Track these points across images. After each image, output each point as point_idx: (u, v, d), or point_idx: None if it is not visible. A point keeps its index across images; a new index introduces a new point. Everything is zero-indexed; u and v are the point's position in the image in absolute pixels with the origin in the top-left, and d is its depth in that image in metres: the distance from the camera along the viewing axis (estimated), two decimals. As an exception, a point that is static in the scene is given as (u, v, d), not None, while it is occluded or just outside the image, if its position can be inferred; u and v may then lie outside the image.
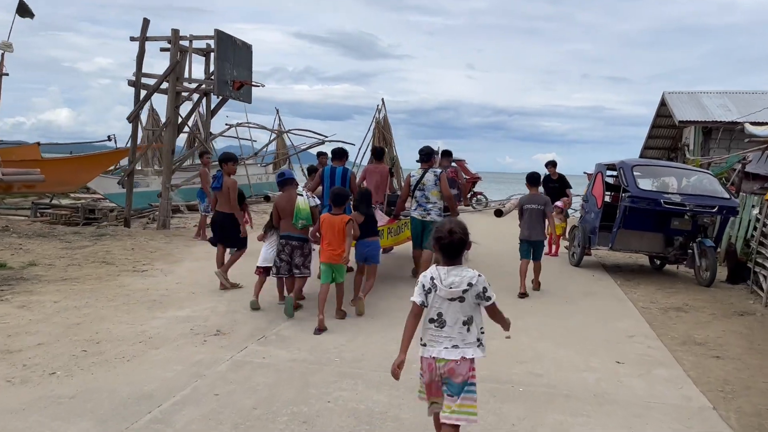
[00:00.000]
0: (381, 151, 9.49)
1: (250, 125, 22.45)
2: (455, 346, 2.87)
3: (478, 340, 2.93)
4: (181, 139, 19.95)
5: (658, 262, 9.85)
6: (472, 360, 2.89)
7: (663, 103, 20.86)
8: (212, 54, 12.06)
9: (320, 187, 7.84)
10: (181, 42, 12.04)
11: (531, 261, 7.52)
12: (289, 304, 5.90)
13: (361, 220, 6.15)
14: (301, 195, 6.09)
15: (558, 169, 11.63)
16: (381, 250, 6.96)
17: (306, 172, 11.37)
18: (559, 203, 10.72)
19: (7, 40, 11.06)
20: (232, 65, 12.09)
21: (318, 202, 6.43)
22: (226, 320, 5.69)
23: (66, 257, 8.50)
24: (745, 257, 8.73)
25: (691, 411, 4.01)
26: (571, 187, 11.73)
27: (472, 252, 8.45)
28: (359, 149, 20.71)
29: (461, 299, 2.88)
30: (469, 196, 19.21)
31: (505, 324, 3.17)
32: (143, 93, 12.40)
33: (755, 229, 8.55)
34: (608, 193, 10.05)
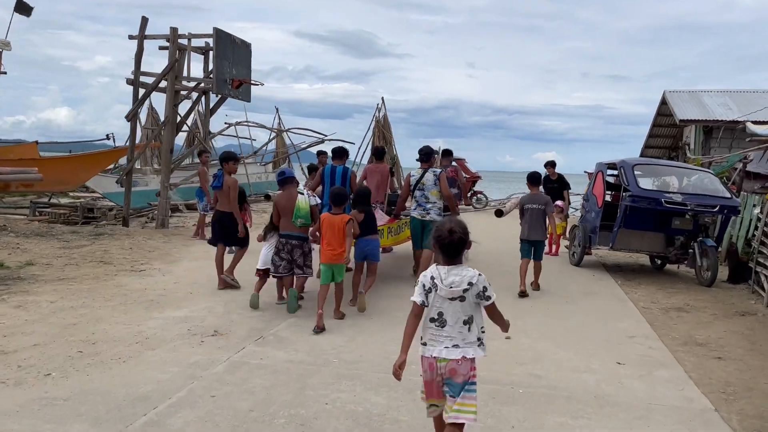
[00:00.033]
0: (382, 150, 9.49)
1: (250, 124, 22.40)
2: (456, 346, 2.85)
3: (479, 339, 2.92)
4: (181, 138, 19.93)
5: (659, 262, 9.81)
6: (472, 359, 2.87)
7: (664, 102, 20.81)
8: (211, 52, 12.00)
9: (320, 187, 7.82)
10: (179, 40, 11.98)
11: (531, 260, 7.48)
12: (293, 297, 5.91)
13: (360, 218, 6.15)
14: (302, 194, 6.07)
15: (558, 169, 11.61)
16: (381, 248, 6.95)
17: (306, 171, 11.33)
18: (559, 202, 10.68)
19: (5, 39, 11.02)
20: (231, 64, 12.04)
21: (318, 201, 6.42)
22: (224, 321, 5.64)
23: (63, 257, 8.46)
24: (746, 257, 8.69)
25: (693, 413, 3.96)
26: (569, 188, 11.68)
27: (472, 251, 8.40)
28: (359, 148, 20.69)
29: (462, 299, 2.86)
30: (469, 195, 19.17)
31: (504, 325, 3.15)
32: (142, 92, 12.36)
33: (756, 228, 8.51)
34: (609, 192, 10.01)
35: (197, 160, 14.47)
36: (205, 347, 4.85)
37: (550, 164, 11.57)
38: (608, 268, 9.68)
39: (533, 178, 7.78)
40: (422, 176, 7.43)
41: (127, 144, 13.54)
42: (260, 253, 6.45)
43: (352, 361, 4.63)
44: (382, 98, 21.06)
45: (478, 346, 2.91)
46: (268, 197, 15.13)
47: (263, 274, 6.31)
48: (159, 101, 18.66)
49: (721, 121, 18.10)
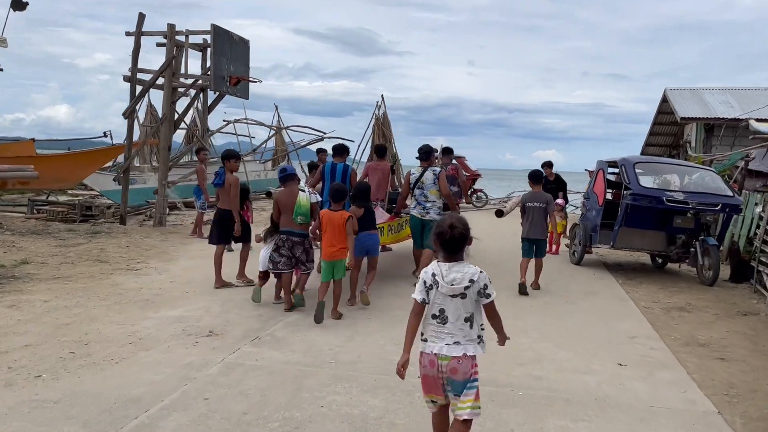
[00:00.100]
0: (383, 148, 9.45)
1: (249, 121, 22.30)
2: (457, 343, 2.84)
3: (479, 337, 2.91)
4: (180, 136, 19.84)
5: (660, 261, 9.75)
6: (473, 357, 2.86)
7: (665, 100, 20.72)
8: (209, 49, 11.92)
9: (320, 184, 7.79)
10: (177, 37, 11.90)
11: (532, 259, 7.42)
12: (299, 300, 6.03)
13: (360, 214, 6.15)
14: (303, 191, 6.06)
15: (559, 167, 11.54)
16: (380, 244, 6.96)
17: (307, 169, 11.28)
18: (560, 201, 10.61)
19: (1, 35, 10.92)
20: (228, 60, 11.95)
21: (319, 198, 6.44)
22: (220, 320, 5.57)
23: (59, 255, 8.38)
24: (748, 256, 8.62)
25: (696, 415, 3.89)
26: (567, 189, 11.60)
27: (473, 250, 8.35)
28: (359, 146, 20.59)
29: (463, 296, 2.85)
30: (469, 193, 19.09)
31: (502, 334, 3.11)
32: (139, 89, 12.27)
33: (758, 227, 8.44)
34: (610, 190, 9.93)
35: (195, 157, 14.38)
36: (200, 348, 4.78)
37: (547, 165, 11.50)
38: (609, 267, 9.60)
39: (535, 176, 7.75)
40: (422, 175, 7.38)
41: (125, 141, 13.46)
42: (260, 254, 6.43)
43: (348, 362, 4.56)
44: (382, 96, 20.94)
45: (478, 343, 2.90)
46: (269, 194, 15.06)
47: (265, 275, 6.33)
48: (157, 98, 18.57)
49: (723, 119, 18.01)
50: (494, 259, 9.20)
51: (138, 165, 18.32)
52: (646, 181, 9.00)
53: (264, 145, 23.94)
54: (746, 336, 5.83)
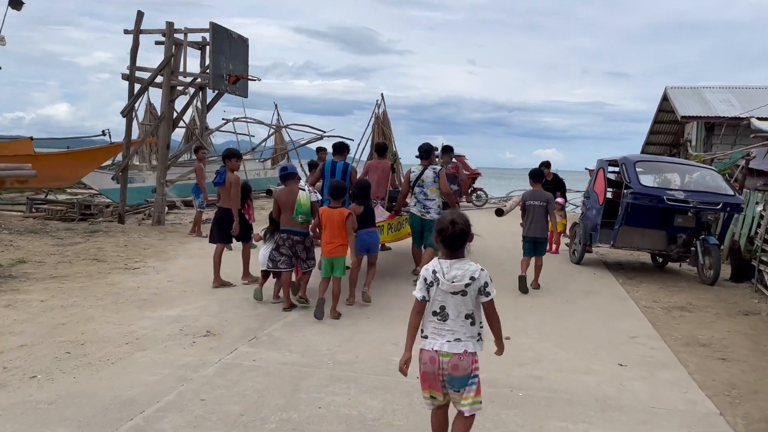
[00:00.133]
0: (384, 147, 9.42)
1: (248, 120, 22.25)
2: (458, 339, 2.84)
3: (479, 334, 2.91)
4: (179, 134, 19.78)
5: (661, 260, 9.70)
6: (474, 353, 2.87)
7: (665, 98, 20.65)
8: (207, 47, 11.87)
9: (320, 182, 7.75)
10: (175, 35, 11.84)
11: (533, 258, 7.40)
12: (302, 303, 6.06)
13: (360, 212, 6.14)
14: (303, 189, 6.05)
15: (559, 166, 11.51)
16: (380, 242, 6.95)
17: (307, 168, 11.23)
18: (560, 199, 10.57)
19: (-1, 33, 10.88)
20: (227, 59, 11.90)
21: (319, 197, 6.44)
22: (218, 320, 5.53)
23: (57, 254, 8.34)
24: (749, 255, 8.57)
25: (697, 417, 3.85)
26: (565, 189, 11.55)
27: (473, 247, 8.30)
28: (358, 145, 20.52)
29: (463, 293, 2.84)
30: (469, 191, 19.05)
31: (499, 342, 3.08)
32: (138, 87, 12.22)
33: (759, 226, 8.39)
34: (610, 189, 9.88)
35: (194, 156, 14.33)
36: (197, 348, 4.73)
37: (545, 165, 11.44)
38: (609, 266, 9.56)
39: (535, 175, 7.75)
40: (422, 173, 7.36)
41: (124, 140, 13.40)
42: (259, 253, 6.43)
43: (347, 363, 4.52)
44: (382, 94, 20.85)
45: (477, 341, 2.90)
46: (270, 192, 15.02)
47: (265, 275, 6.33)
48: (157, 97, 18.52)
49: (724, 117, 17.95)
50: (494, 258, 9.16)
51: (137, 163, 18.27)
52: (647, 180, 8.95)
53: (263, 144, 23.89)
54: (747, 336, 5.80)
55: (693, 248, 8.50)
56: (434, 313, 2.89)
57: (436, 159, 8.82)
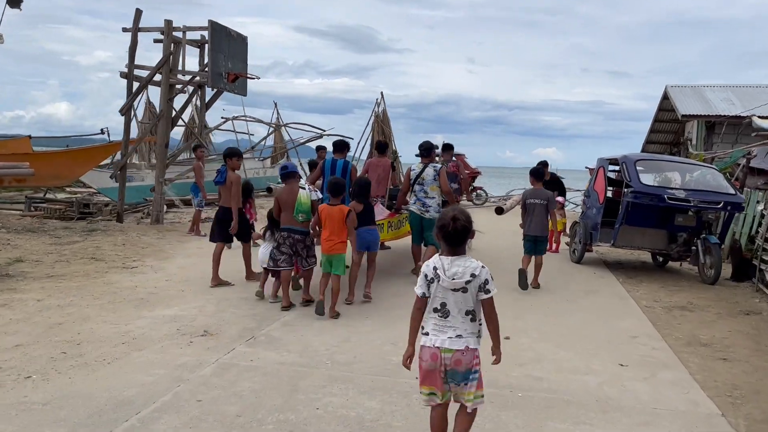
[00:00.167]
0: (384, 145, 9.39)
1: (247, 119, 22.19)
2: (459, 336, 2.84)
3: (479, 331, 2.92)
4: (178, 133, 19.73)
5: (661, 259, 9.67)
6: (475, 349, 2.87)
7: (665, 97, 20.60)
8: (206, 46, 11.81)
9: (320, 180, 7.72)
10: (174, 33, 11.79)
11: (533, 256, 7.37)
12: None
13: (360, 209, 6.13)
14: (303, 188, 6.04)
15: (559, 165, 11.50)
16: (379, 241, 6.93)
17: (307, 167, 11.20)
18: (560, 198, 10.53)
19: (-3, 31, 10.82)
20: (226, 57, 11.85)
21: (320, 196, 6.43)
22: (215, 320, 5.49)
23: (54, 253, 8.30)
24: (749, 254, 8.53)
25: (699, 418, 3.81)
26: (564, 189, 11.50)
27: (474, 244, 8.27)
28: (358, 143, 20.47)
29: (464, 290, 2.84)
30: (469, 189, 19.01)
31: (497, 346, 3.04)
32: (136, 85, 12.17)
33: (760, 225, 8.35)
34: (610, 188, 9.84)
35: (193, 155, 14.27)
36: (194, 348, 4.69)
37: (543, 164, 11.40)
38: (609, 265, 9.53)
39: (536, 173, 7.74)
40: (422, 171, 7.34)
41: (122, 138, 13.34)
42: (259, 252, 6.42)
43: (345, 363, 4.47)
44: (381, 93, 20.81)
45: (477, 337, 2.91)
46: (270, 190, 14.98)
47: (265, 273, 6.33)
48: (156, 95, 18.45)
49: (724, 116, 17.90)
50: (493, 258, 9.11)
51: (136, 162, 18.20)
52: (647, 179, 8.92)
53: (263, 143, 23.83)
54: (749, 335, 5.76)
55: (694, 247, 8.47)
56: (435, 310, 2.89)
57: (437, 158, 8.78)
